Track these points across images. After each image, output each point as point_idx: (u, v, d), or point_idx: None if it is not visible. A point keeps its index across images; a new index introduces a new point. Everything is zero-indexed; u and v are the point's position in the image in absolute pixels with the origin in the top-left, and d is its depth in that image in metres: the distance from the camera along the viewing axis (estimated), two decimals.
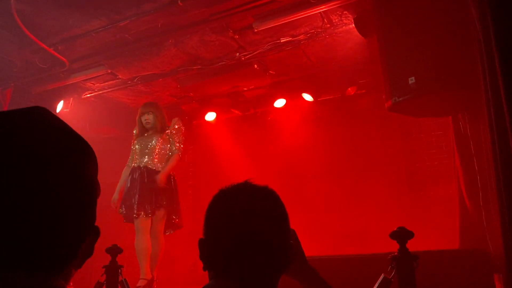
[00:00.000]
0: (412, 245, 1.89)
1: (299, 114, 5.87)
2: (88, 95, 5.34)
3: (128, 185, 4.03)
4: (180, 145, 4.17)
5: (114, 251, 2.10)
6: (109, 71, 4.75)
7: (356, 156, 5.37)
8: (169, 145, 4.16)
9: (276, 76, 5.13)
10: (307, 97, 5.55)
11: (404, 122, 5.27)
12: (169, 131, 4.18)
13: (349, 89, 5.33)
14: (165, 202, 3.98)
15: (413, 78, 2.79)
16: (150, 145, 4.10)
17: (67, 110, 5.12)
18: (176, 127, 4.21)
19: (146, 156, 4.08)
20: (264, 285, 0.91)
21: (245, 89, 5.50)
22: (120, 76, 4.95)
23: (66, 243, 0.57)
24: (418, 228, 5.03)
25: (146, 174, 3.99)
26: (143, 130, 4.22)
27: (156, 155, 4.08)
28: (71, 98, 5.17)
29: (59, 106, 5.10)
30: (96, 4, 3.70)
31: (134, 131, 4.31)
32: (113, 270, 2.05)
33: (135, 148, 4.18)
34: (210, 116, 6.02)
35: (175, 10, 3.76)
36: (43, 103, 4.90)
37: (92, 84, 5.20)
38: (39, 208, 0.54)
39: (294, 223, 1.19)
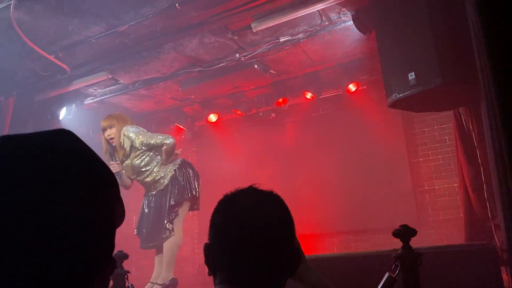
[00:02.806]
0: (417, 241, 1.89)
1: (301, 112, 5.87)
2: (90, 101, 5.36)
3: (146, 214, 3.83)
4: (156, 138, 3.71)
5: (120, 257, 2.12)
6: (110, 76, 4.76)
7: (359, 152, 5.36)
8: (149, 155, 3.76)
9: (277, 75, 5.13)
10: (309, 95, 5.55)
11: (407, 116, 5.26)
12: (134, 142, 3.71)
13: (350, 85, 5.32)
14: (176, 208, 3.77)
15: (412, 73, 2.79)
16: (139, 173, 3.79)
17: (70, 116, 5.15)
18: (132, 135, 3.70)
19: (149, 184, 3.82)
20: None
21: (246, 89, 5.50)
22: (121, 81, 4.97)
23: (78, 278, 0.52)
24: (422, 222, 5.04)
25: (160, 196, 3.77)
26: (113, 148, 3.79)
27: (153, 174, 3.79)
28: (74, 105, 5.19)
29: (62, 113, 5.12)
30: (95, 10, 3.72)
31: (107, 155, 3.83)
32: (119, 276, 2.07)
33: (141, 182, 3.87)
34: (212, 118, 6.04)
35: (173, 14, 3.77)
36: (45, 110, 4.93)
37: (93, 90, 5.23)
38: (51, 240, 0.50)
39: (296, 223, 1.19)
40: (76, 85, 4.83)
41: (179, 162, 3.90)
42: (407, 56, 2.86)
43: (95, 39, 4.10)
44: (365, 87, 5.38)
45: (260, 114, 5.95)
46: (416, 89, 2.78)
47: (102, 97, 5.32)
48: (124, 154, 3.77)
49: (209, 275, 0.97)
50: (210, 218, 0.99)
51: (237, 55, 4.51)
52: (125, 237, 6.19)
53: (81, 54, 4.39)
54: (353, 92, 5.38)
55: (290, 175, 5.61)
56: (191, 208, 3.94)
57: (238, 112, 5.90)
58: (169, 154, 3.78)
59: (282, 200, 1.00)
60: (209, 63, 4.68)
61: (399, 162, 5.24)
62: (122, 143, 3.72)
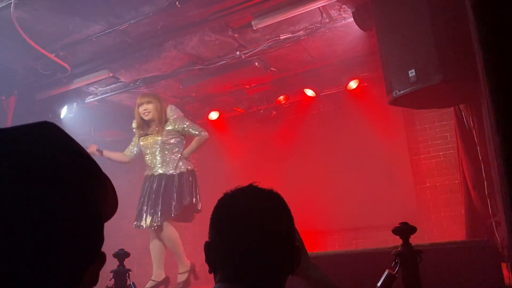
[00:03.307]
0: (418, 237, 1.90)
1: (302, 109, 5.87)
2: (91, 100, 5.36)
3: (141, 195, 3.95)
4: (195, 126, 4.06)
5: (122, 256, 2.13)
6: (111, 74, 4.77)
7: (361, 149, 5.36)
8: (177, 138, 4.01)
9: (278, 73, 5.13)
10: (309, 92, 5.55)
11: (408, 113, 5.25)
12: (173, 123, 4.02)
13: (351, 83, 5.32)
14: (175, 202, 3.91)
15: (413, 70, 2.79)
16: (158, 149, 3.99)
17: (71, 115, 5.16)
18: (174, 116, 4.04)
19: (157, 163, 3.98)
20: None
21: (247, 87, 5.50)
22: (122, 79, 4.98)
23: (65, 274, 0.51)
24: (423, 219, 5.05)
25: (163, 181, 3.90)
26: (144, 123, 4.07)
27: (166, 160, 3.98)
28: (75, 103, 5.20)
29: (63, 112, 5.13)
30: (95, 9, 3.72)
31: (133, 125, 4.18)
32: (121, 274, 2.08)
33: (144, 153, 4.08)
34: (213, 115, 6.04)
35: (174, 12, 3.77)
36: (47, 109, 4.94)
37: (94, 89, 5.23)
38: (33, 233, 0.48)
39: (297, 220, 1.20)
40: (77, 83, 4.83)
41: (191, 168, 4.08)
42: (407, 53, 2.86)
43: (96, 37, 4.10)
44: (366, 84, 5.37)
45: (261, 111, 5.95)
46: (416, 86, 2.78)
47: (103, 96, 5.33)
48: (154, 128, 4.01)
49: (210, 273, 0.98)
50: (210, 216, 0.99)
51: (238, 52, 4.51)
52: (129, 234, 6.23)
53: (82, 53, 4.40)
54: (354, 89, 5.38)
55: (291, 172, 5.62)
56: (184, 218, 4.10)
57: (239, 110, 5.90)
58: (198, 146, 4.06)
59: (282, 198, 1.00)
60: (209, 61, 4.68)
61: (400, 159, 5.24)
62: (161, 119, 3.95)
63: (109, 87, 5.20)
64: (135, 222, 3.93)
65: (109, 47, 4.31)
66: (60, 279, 0.50)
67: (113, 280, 2.11)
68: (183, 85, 5.12)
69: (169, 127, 4.01)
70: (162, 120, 4.00)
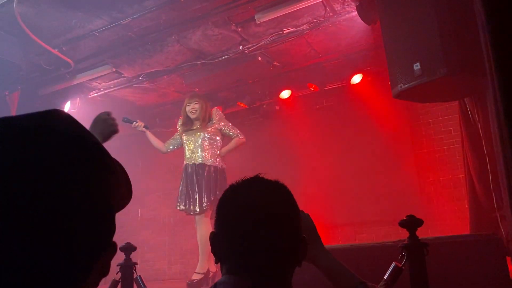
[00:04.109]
0: (422, 231, 1.90)
1: (305, 104, 5.86)
2: (95, 95, 5.37)
3: (185, 182, 4.34)
4: (235, 129, 4.48)
5: (128, 249, 2.14)
6: (114, 69, 4.77)
7: (364, 143, 5.36)
8: (218, 137, 4.43)
9: (281, 68, 5.11)
10: (313, 87, 5.54)
11: (412, 107, 5.24)
12: (215, 123, 4.42)
13: (354, 77, 5.30)
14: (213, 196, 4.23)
15: (418, 64, 2.77)
16: (200, 141, 4.36)
17: (75, 110, 5.16)
18: (217, 117, 4.47)
19: (198, 153, 4.34)
20: (277, 280, 0.91)
21: (250, 81, 5.49)
22: (125, 74, 4.98)
23: (77, 264, 0.50)
24: (427, 214, 5.04)
25: (201, 171, 4.28)
26: (188, 120, 4.46)
27: (207, 150, 4.34)
28: (78, 98, 5.21)
29: (67, 107, 5.14)
30: (98, 3, 3.71)
31: (179, 123, 4.61)
32: (127, 268, 2.09)
33: (185, 144, 4.44)
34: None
35: (177, 6, 3.76)
36: (50, 104, 4.95)
37: (97, 84, 5.24)
38: (44, 224, 0.48)
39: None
40: (80, 78, 4.84)
41: (225, 167, 4.45)
42: (412, 46, 2.84)
43: (99, 32, 4.10)
44: (370, 78, 5.35)
45: (264, 106, 5.95)
46: (421, 80, 2.77)
47: (106, 91, 5.33)
48: (198, 125, 4.42)
49: (216, 263, 0.98)
50: (216, 208, 1.00)
51: (241, 47, 4.50)
52: (132, 230, 6.24)
53: (85, 48, 4.40)
54: (357, 83, 5.37)
55: (294, 167, 5.62)
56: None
57: (242, 105, 5.89)
58: (235, 147, 4.47)
59: (287, 189, 1.00)
60: (212, 56, 4.67)
61: (404, 153, 5.24)
62: (205, 117, 4.40)
63: (112, 82, 5.20)
64: (178, 205, 4.34)
65: (112, 42, 4.30)
66: (71, 269, 0.50)
67: (119, 273, 2.12)
68: (186, 80, 5.12)
69: (212, 126, 4.43)
70: (206, 118, 4.41)
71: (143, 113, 5.97)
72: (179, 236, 6.32)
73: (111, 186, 0.57)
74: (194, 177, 4.30)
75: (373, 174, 5.24)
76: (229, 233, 0.94)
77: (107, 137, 1.83)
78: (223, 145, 4.50)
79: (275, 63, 4.96)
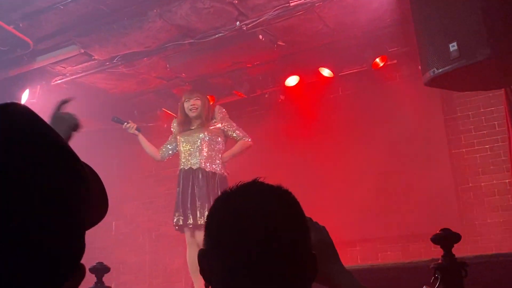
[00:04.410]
0: (460, 249, 1.90)
1: (316, 93, 5.86)
2: (59, 81, 5.37)
3: (180, 190, 4.44)
4: (240, 131, 4.60)
5: (100, 271, 2.14)
6: (82, 51, 4.77)
7: (388, 141, 5.36)
8: (220, 139, 4.54)
9: (286, 48, 5.11)
10: (326, 72, 5.53)
11: (448, 97, 5.24)
12: (217, 122, 4.55)
13: (376, 60, 5.30)
14: None
15: (454, 43, 2.77)
16: (199, 142, 4.45)
17: (34, 100, 5.16)
18: (220, 116, 4.58)
19: (196, 156, 4.44)
20: None
21: (249, 65, 5.49)
22: (96, 57, 4.98)
23: None
24: (466, 227, 5.04)
25: (200, 177, 4.38)
26: (186, 120, 4.56)
27: (206, 153, 4.44)
28: (38, 86, 5.20)
29: (24, 96, 5.13)
30: None
31: (174, 124, 4.73)
32: None
33: (181, 146, 4.53)
34: None
35: None
36: (4, 93, 4.95)
37: (62, 68, 5.24)
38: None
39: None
40: (41, 62, 4.84)
41: (226, 175, 4.48)
42: (448, 22, 2.83)
43: (64, 5, 4.10)
44: (395, 61, 5.35)
45: (266, 96, 5.95)
46: (459, 63, 2.76)
47: (73, 77, 5.33)
48: (198, 125, 4.52)
49: (206, 287, 0.98)
50: (205, 220, 1.00)
51: (238, 23, 4.50)
52: (104, 247, 6.25)
53: (47, 24, 4.40)
54: (380, 67, 5.36)
55: (302, 170, 5.62)
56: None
57: (239, 94, 5.90)
58: (240, 151, 4.59)
59: (293, 196, 1.00)
60: (203, 34, 4.67)
61: (437, 153, 5.23)
62: (207, 116, 4.51)
63: (80, 66, 5.20)
64: (175, 220, 4.39)
65: (80, 17, 4.30)
66: None
67: None
68: (170, 64, 5.12)
69: (214, 125, 4.54)
70: (208, 117, 4.53)
71: (118, 104, 5.97)
72: (162, 255, 6.33)
73: (80, 196, 0.56)
74: (190, 184, 4.38)
75: (399, 178, 5.24)
76: (220, 250, 0.94)
77: (68, 136, 1.82)
78: (226, 149, 4.59)
79: (279, 43, 4.95)
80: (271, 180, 1.03)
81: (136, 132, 4.61)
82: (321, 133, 5.72)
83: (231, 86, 5.90)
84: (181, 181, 4.47)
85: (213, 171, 4.41)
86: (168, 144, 4.72)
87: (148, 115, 6.32)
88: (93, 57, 5.01)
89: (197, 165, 4.41)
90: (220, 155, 4.50)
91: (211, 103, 4.80)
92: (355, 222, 5.35)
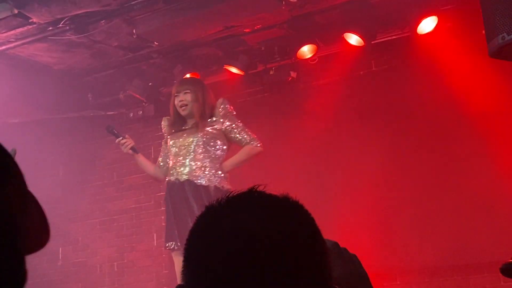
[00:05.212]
0: None
1: (341, 69, 5.85)
2: None
3: (169, 208, 4.60)
4: (247, 133, 4.67)
5: None
6: (16, 11, 4.76)
7: (438, 134, 5.36)
8: (219, 141, 4.63)
9: (299, 6, 5.11)
10: (353, 39, 5.53)
11: None
12: (217, 121, 4.63)
13: (423, 21, 5.30)
14: None
15: None
16: (192, 148, 4.56)
17: None
18: (222, 112, 4.67)
19: (186, 166, 4.55)
20: None
21: (247, 31, 5.49)
22: (34, 20, 4.97)
23: None
24: None
25: (188, 192, 4.49)
26: (178, 119, 4.71)
27: (200, 161, 4.55)
28: None
29: None
30: None
31: (164, 123, 4.88)
32: None
33: (172, 151, 4.68)
34: None
35: None
36: None
37: None
38: None
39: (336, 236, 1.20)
40: None
41: (229, 188, 4.48)
42: None
43: None
44: (449, 24, 5.34)
45: (271, 72, 5.94)
46: None
47: (3, 47, 5.33)
48: (192, 124, 4.63)
49: None
50: (184, 246, 1.00)
51: None
52: (49, 282, 6.26)
53: None
54: (429, 33, 5.36)
55: (320, 172, 5.63)
56: None
57: (234, 70, 5.89)
58: (247, 159, 4.68)
59: (305, 210, 1.01)
60: None
61: (506, 152, 5.23)
62: (204, 113, 4.59)
63: (13, 32, 5.20)
64: (168, 244, 4.53)
65: None
66: None
67: None
68: (137, 29, 5.12)
69: (215, 125, 4.63)
70: (205, 115, 4.62)
71: (65, 84, 5.96)
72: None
73: (16, 218, 0.59)
74: (177, 200, 4.53)
75: (453, 186, 5.23)
76: (203, 284, 0.94)
77: None
78: (228, 155, 4.68)
79: None
80: (275, 188, 1.02)
81: (131, 152, 4.72)
82: (347, 123, 5.72)
83: (222, 60, 5.90)
84: (168, 197, 4.61)
85: (207, 184, 4.50)
86: (163, 153, 4.85)
87: (107, 99, 6.32)
88: (30, 20, 5.00)
89: (186, 177, 4.52)
90: (219, 164, 4.59)
91: (221, 99, 4.86)
92: (394, 246, 5.35)
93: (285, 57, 5.85)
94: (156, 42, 5.56)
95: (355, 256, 1.22)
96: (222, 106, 4.69)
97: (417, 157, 5.43)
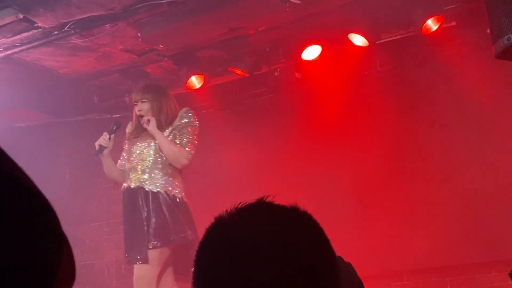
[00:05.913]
0: None
1: (345, 69, 5.84)
2: None
3: (125, 215, 4.67)
4: (191, 139, 4.61)
5: None
6: (21, 16, 4.77)
7: (447, 134, 5.35)
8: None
9: (304, 7, 5.10)
10: (358, 39, 5.52)
11: None
12: (175, 125, 4.63)
13: (428, 21, 5.28)
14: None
15: None
16: (142, 156, 4.60)
17: None
18: (185, 120, 4.65)
19: (138, 172, 4.58)
20: None
21: (251, 32, 5.49)
22: (40, 24, 4.98)
23: None
24: None
25: (139, 198, 4.52)
26: (140, 125, 4.69)
27: (157, 169, 4.56)
28: None
29: None
30: None
31: (128, 129, 4.87)
32: None
33: (126, 157, 4.75)
34: (195, 82, 6.03)
35: None
36: None
37: None
38: None
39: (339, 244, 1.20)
40: None
41: (180, 197, 4.58)
42: None
43: None
44: (454, 23, 5.33)
45: (276, 74, 5.94)
46: None
47: (9, 52, 5.34)
48: (148, 132, 4.59)
49: None
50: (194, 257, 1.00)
51: None
52: None
53: None
54: (433, 32, 5.35)
55: (326, 172, 5.62)
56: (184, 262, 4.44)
57: (238, 72, 5.89)
58: (169, 148, 4.52)
59: (314, 221, 1.01)
60: None
61: None
62: (160, 123, 4.55)
63: (18, 37, 5.21)
64: (127, 255, 4.57)
65: None
66: None
67: None
68: (143, 32, 5.13)
69: (170, 130, 4.62)
70: (162, 124, 4.59)
71: (71, 88, 5.97)
72: None
73: (51, 254, 0.61)
74: (129, 207, 4.60)
75: (461, 186, 5.23)
76: None
77: None
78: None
79: (293, 0, 4.95)
80: (284, 199, 1.02)
81: (96, 148, 4.71)
82: (353, 123, 5.71)
83: (227, 61, 5.90)
84: (125, 203, 4.68)
85: (156, 190, 4.51)
86: (121, 157, 4.88)
87: (112, 102, 6.32)
88: (36, 25, 5.01)
89: (137, 184, 4.56)
90: (170, 171, 4.59)
91: (185, 108, 4.84)
92: (404, 247, 5.34)
93: (289, 58, 5.86)
94: (161, 45, 5.57)
95: (350, 264, 1.23)
96: (184, 115, 4.70)
97: (424, 157, 5.42)
